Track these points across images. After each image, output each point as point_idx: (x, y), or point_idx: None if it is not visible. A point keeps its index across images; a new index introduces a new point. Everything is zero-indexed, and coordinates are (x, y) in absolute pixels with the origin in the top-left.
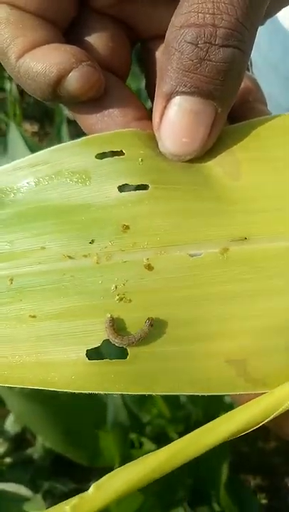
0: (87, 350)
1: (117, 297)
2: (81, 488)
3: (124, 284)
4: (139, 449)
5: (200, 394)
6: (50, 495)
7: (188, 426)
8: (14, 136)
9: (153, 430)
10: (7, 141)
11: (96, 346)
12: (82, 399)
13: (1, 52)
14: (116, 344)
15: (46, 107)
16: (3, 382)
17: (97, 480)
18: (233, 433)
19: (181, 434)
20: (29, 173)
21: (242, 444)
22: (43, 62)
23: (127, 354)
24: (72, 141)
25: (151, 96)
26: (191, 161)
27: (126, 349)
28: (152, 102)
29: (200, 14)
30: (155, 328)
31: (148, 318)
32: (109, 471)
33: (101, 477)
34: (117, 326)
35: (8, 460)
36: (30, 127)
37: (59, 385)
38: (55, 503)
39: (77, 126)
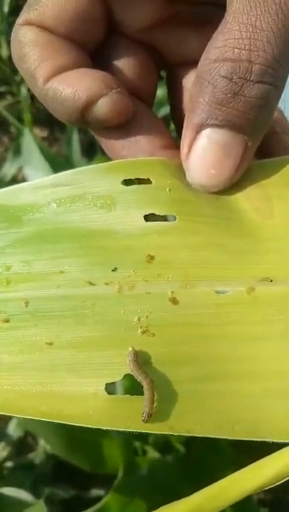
0: (106, 384)
1: (140, 330)
2: (81, 495)
3: (147, 317)
4: (142, 456)
5: (224, 437)
6: (50, 500)
7: (191, 436)
8: (28, 140)
9: (156, 439)
10: (21, 145)
11: (116, 380)
12: None
13: (29, 74)
14: (138, 380)
15: None
16: (16, 412)
17: (97, 487)
18: (269, 482)
19: (184, 444)
20: (50, 193)
21: (245, 458)
22: (72, 87)
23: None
24: (96, 165)
25: (175, 121)
26: (220, 194)
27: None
28: (176, 127)
29: (236, 49)
30: (179, 364)
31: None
32: (112, 478)
33: (102, 484)
34: (140, 360)
35: (9, 464)
36: (40, 132)
37: (76, 420)
38: (55, 509)
39: (88, 133)
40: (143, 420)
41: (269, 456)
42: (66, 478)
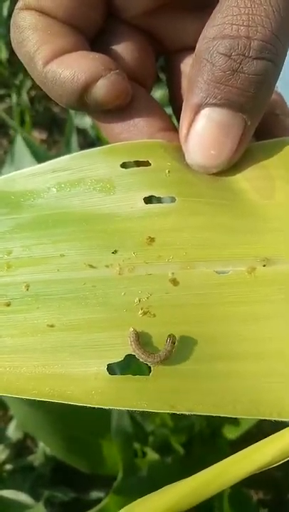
0: (107, 365)
1: (141, 311)
2: (80, 497)
3: (148, 298)
4: (142, 458)
5: (224, 416)
6: (49, 503)
7: (191, 436)
8: (20, 145)
9: (156, 440)
10: (13, 150)
11: (117, 361)
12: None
13: (28, 57)
14: (141, 360)
15: (55, 115)
16: (18, 393)
17: (97, 489)
18: (267, 463)
19: (184, 445)
20: (50, 178)
21: None
22: (71, 69)
23: (150, 370)
24: (95, 149)
25: (175, 108)
26: (219, 174)
27: (149, 365)
28: (176, 114)
29: (234, 26)
30: (180, 345)
31: (169, 336)
32: (111, 480)
33: (101, 486)
34: (141, 340)
35: (8, 467)
36: (39, 135)
37: (77, 399)
38: None
39: (87, 135)
40: (173, 342)
41: (268, 437)
42: (65, 480)
